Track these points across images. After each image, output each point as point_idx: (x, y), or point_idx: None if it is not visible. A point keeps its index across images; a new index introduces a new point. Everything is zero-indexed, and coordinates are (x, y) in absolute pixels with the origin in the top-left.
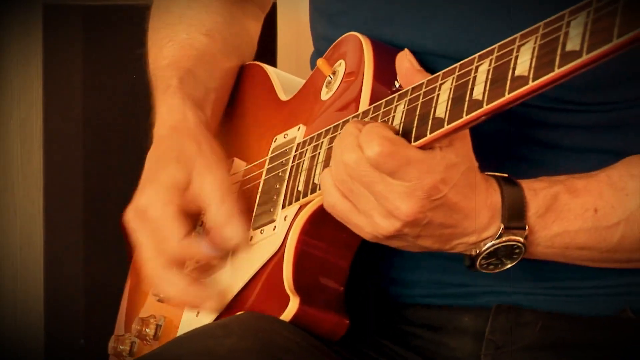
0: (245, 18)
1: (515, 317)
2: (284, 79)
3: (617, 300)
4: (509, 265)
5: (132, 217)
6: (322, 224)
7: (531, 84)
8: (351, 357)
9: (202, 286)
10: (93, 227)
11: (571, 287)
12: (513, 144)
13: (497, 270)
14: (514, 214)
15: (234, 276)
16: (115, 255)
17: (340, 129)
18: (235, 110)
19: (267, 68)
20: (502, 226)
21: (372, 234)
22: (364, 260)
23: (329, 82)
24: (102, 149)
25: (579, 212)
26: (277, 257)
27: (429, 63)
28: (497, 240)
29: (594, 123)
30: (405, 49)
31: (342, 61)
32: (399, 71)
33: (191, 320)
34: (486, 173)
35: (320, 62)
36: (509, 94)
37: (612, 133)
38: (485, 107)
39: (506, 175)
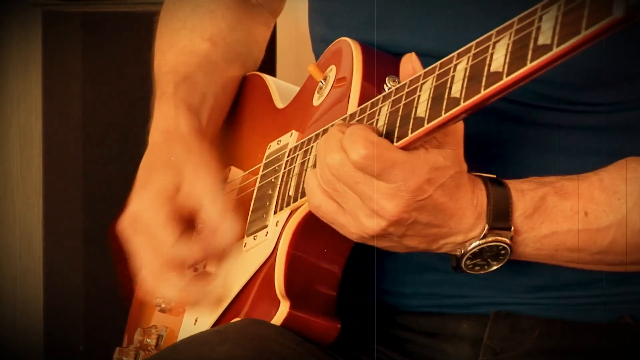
0: (253, 23)
1: (514, 323)
2: (282, 88)
3: (615, 309)
4: (495, 267)
5: (126, 225)
6: (313, 228)
7: (505, 79)
8: None
9: (201, 282)
10: (92, 233)
11: (569, 296)
12: (502, 144)
13: (482, 272)
14: (500, 215)
15: (229, 283)
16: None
17: None
18: (233, 119)
19: (266, 77)
20: (487, 226)
21: (358, 233)
22: (361, 273)
23: (320, 88)
24: (102, 154)
25: (568, 214)
26: (270, 262)
27: (427, 65)
28: (483, 241)
29: (593, 124)
30: (412, 53)
31: (333, 66)
32: (402, 75)
33: (189, 328)
34: (474, 173)
35: (311, 67)
36: (484, 90)
37: (614, 135)
38: (463, 105)
39: (494, 176)
